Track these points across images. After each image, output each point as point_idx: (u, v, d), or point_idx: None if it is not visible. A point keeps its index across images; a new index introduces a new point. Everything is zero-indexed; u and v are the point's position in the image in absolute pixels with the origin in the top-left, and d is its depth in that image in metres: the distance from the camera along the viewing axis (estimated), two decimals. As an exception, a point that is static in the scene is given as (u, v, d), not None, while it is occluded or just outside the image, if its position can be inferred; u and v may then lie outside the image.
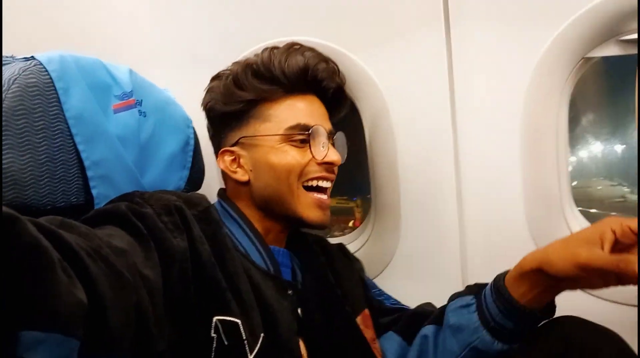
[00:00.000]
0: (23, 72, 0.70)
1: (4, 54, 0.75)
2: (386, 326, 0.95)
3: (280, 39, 1.00)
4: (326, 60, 0.88)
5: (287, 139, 0.84)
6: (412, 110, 1.09)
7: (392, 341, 0.92)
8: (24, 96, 0.68)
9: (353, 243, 1.25)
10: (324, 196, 0.86)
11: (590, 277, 0.70)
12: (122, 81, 0.84)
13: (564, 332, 0.78)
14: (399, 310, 0.97)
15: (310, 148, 0.84)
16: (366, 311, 0.93)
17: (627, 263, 0.62)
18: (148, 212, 0.64)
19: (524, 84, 1.00)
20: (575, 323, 0.79)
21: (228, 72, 0.89)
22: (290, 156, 0.84)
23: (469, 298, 0.84)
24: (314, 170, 0.85)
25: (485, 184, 1.08)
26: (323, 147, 0.85)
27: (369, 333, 0.90)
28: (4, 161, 0.64)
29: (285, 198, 0.84)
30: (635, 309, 0.96)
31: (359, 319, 0.90)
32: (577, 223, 1.05)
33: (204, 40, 1.12)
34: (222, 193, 0.90)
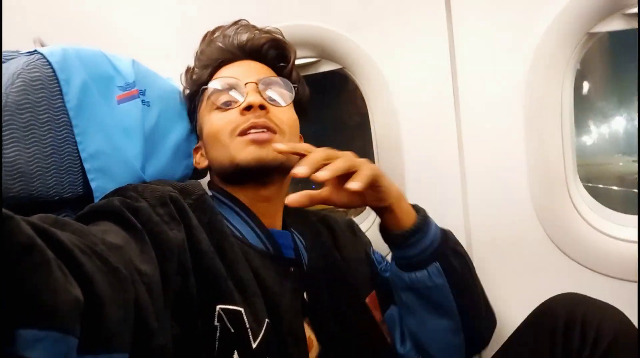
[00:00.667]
0: (27, 66, 0.71)
1: (9, 49, 0.76)
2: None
3: (281, 24, 1.01)
4: (242, 25, 0.94)
5: (211, 109, 0.87)
6: (414, 90, 1.08)
7: (392, 314, 0.94)
8: (28, 90, 0.70)
9: (362, 223, 1.26)
10: (259, 133, 0.82)
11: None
12: (124, 71, 0.85)
13: (564, 307, 0.78)
14: None
15: (229, 104, 0.86)
16: (374, 293, 0.93)
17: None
18: (142, 206, 0.64)
19: (527, 60, 0.99)
20: (575, 299, 0.79)
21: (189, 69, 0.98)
22: (216, 120, 0.86)
23: None
24: (242, 121, 0.82)
25: (489, 162, 1.07)
26: (243, 95, 0.85)
27: (377, 315, 0.90)
28: (10, 155, 0.65)
29: (222, 155, 0.84)
30: (635, 285, 0.96)
31: (367, 300, 0.90)
32: (582, 200, 1.04)
33: (203, 30, 1.13)
34: (210, 183, 0.92)
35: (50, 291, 0.37)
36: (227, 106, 0.86)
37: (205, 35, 0.96)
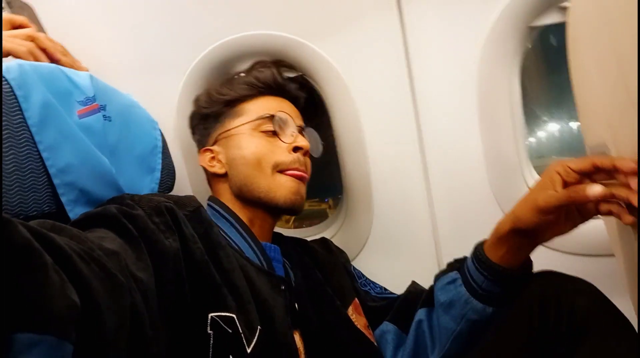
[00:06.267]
0: (-18, 83, 0.69)
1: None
2: (377, 312, 0.97)
3: (237, 35, 1.02)
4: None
5: (257, 128, 0.91)
6: (374, 91, 1.12)
7: (388, 332, 0.94)
8: (-15, 106, 0.67)
9: (328, 229, 1.28)
10: (299, 182, 0.90)
11: (556, 221, 0.74)
12: (83, 86, 0.83)
13: (538, 286, 0.79)
14: (386, 298, 1.00)
15: (278, 136, 0.91)
16: (356, 300, 0.95)
17: (577, 191, 0.66)
18: (139, 214, 0.64)
19: (476, 56, 1.05)
20: (548, 276, 0.81)
21: (215, 83, 1.01)
22: (259, 143, 0.90)
23: (453, 274, 0.87)
24: (288, 161, 0.89)
25: (448, 155, 1.12)
26: (292, 135, 0.91)
27: (361, 320, 0.92)
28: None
29: (258, 182, 0.88)
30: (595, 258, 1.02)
31: (350, 308, 0.92)
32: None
33: (160, 45, 1.12)
34: (211, 197, 0.93)
35: (47, 296, 0.37)
36: (273, 135, 0.91)
37: (258, 62, 1.03)
